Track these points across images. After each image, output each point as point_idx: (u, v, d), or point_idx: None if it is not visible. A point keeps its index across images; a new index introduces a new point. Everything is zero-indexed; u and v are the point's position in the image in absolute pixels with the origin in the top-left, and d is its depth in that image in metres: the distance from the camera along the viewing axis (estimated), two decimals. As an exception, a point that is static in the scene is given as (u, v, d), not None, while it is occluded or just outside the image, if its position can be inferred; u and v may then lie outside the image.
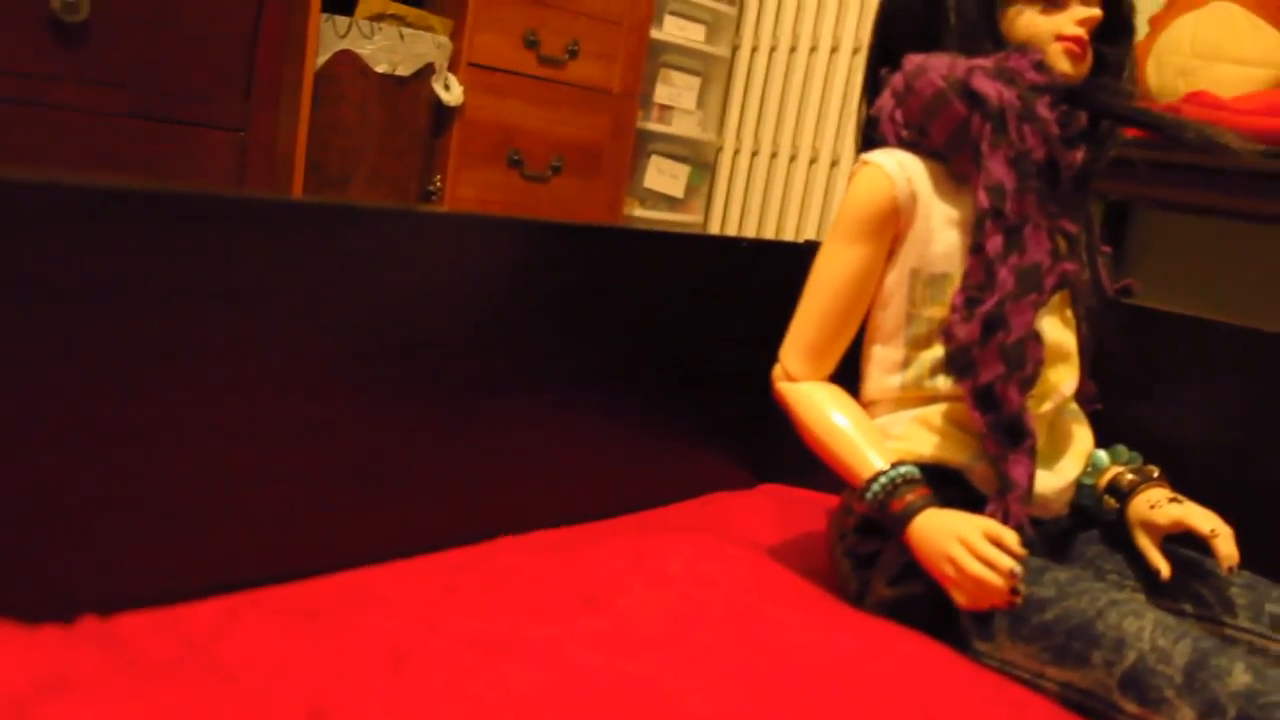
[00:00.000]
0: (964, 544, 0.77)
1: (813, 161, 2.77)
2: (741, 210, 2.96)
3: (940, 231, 0.86)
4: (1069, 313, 0.91)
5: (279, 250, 0.79)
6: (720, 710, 0.66)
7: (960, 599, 0.78)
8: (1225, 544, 0.80)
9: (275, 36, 1.85)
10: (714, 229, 3.03)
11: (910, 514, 0.80)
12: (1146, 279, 2.77)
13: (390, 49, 2.33)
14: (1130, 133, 0.93)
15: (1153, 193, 2.19)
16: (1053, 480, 0.87)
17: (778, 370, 0.91)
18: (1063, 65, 0.85)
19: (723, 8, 2.83)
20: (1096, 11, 0.86)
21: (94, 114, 1.61)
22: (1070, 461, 0.89)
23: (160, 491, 0.76)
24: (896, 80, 0.88)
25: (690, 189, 2.99)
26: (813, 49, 2.78)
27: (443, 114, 2.48)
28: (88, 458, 0.71)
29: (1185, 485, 0.95)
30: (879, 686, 0.70)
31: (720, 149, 2.99)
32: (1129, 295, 0.96)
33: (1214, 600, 0.83)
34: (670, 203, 2.97)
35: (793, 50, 2.82)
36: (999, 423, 0.81)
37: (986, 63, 0.83)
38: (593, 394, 1.03)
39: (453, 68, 2.46)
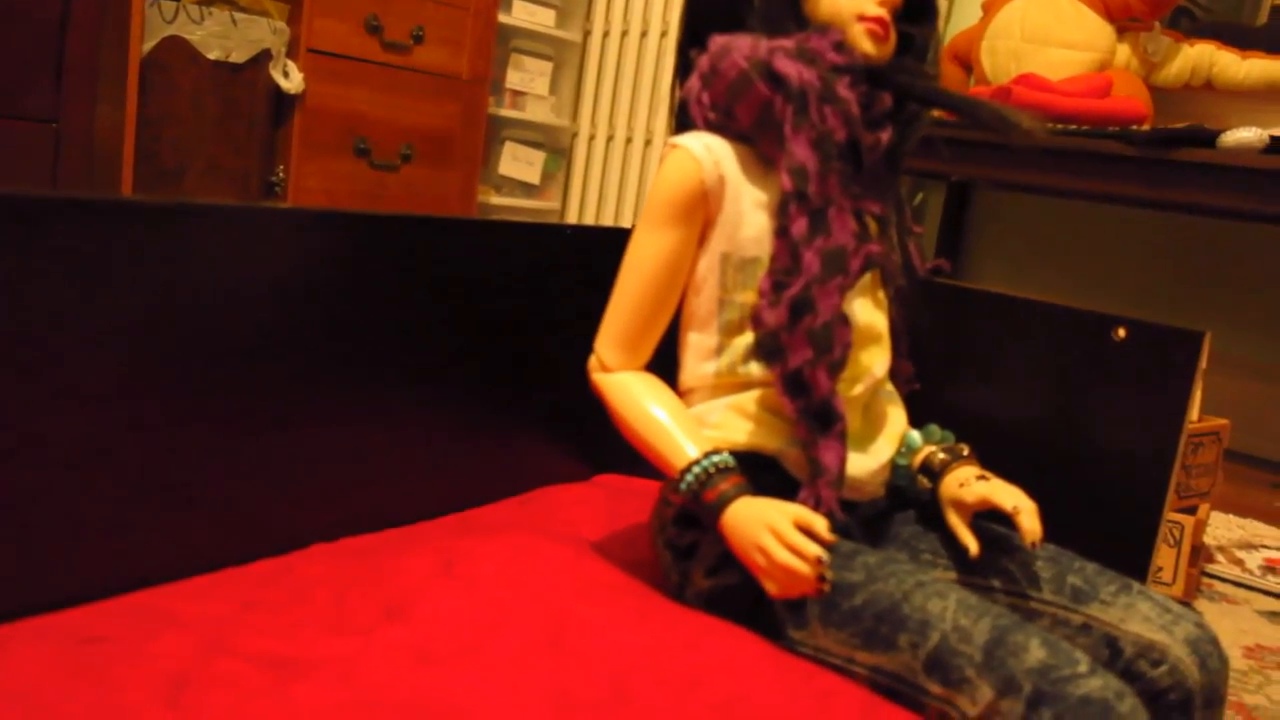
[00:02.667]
0: (773, 532, 0.76)
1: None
2: (599, 195, 2.94)
3: (750, 215, 0.85)
4: (880, 294, 0.91)
5: (50, 249, 0.73)
6: (519, 718, 0.64)
7: (771, 588, 0.77)
8: (1028, 520, 0.81)
9: (88, 23, 1.74)
10: (572, 214, 3.01)
11: (723, 503, 0.79)
12: (987, 256, 2.86)
13: (223, 34, 2.22)
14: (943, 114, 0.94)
15: (993, 174, 2.25)
16: (866, 463, 0.87)
17: (593, 361, 0.89)
18: (865, 45, 0.85)
19: (572, -9, 2.80)
20: (898, -8, 0.85)
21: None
22: (884, 443, 0.90)
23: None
24: (702, 62, 0.86)
25: (546, 175, 2.96)
26: (663, 33, 2.77)
27: (283, 102, 2.39)
28: None
29: (1001, 460, 0.96)
30: (684, 685, 0.68)
31: (575, 134, 2.97)
32: (941, 274, 0.97)
33: (1020, 575, 0.84)
34: (526, 189, 2.93)
35: (644, 35, 2.81)
36: (809, 408, 0.80)
37: (788, 43, 0.82)
38: (412, 391, 1.00)
39: (292, 54, 2.36)
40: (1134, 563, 0.95)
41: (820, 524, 0.77)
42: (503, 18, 2.65)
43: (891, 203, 0.91)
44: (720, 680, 0.70)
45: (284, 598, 0.79)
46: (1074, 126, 2.06)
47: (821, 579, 0.74)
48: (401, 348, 0.98)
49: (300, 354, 0.90)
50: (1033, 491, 0.86)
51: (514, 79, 2.81)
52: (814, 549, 0.74)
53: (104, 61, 1.94)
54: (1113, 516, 0.96)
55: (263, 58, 2.27)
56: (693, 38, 0.90)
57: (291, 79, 2.32)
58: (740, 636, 0.77)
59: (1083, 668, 0.68)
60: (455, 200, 2.66)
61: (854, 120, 0.81)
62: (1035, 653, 0.68)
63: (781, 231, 0.81)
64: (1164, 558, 1.76)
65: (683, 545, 0.86)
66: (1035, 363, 1.00)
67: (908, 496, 0.93)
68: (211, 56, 2.19)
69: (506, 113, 2.79)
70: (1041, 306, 0.99)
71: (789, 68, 0.80)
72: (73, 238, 0.74)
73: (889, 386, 0.94)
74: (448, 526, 0.98)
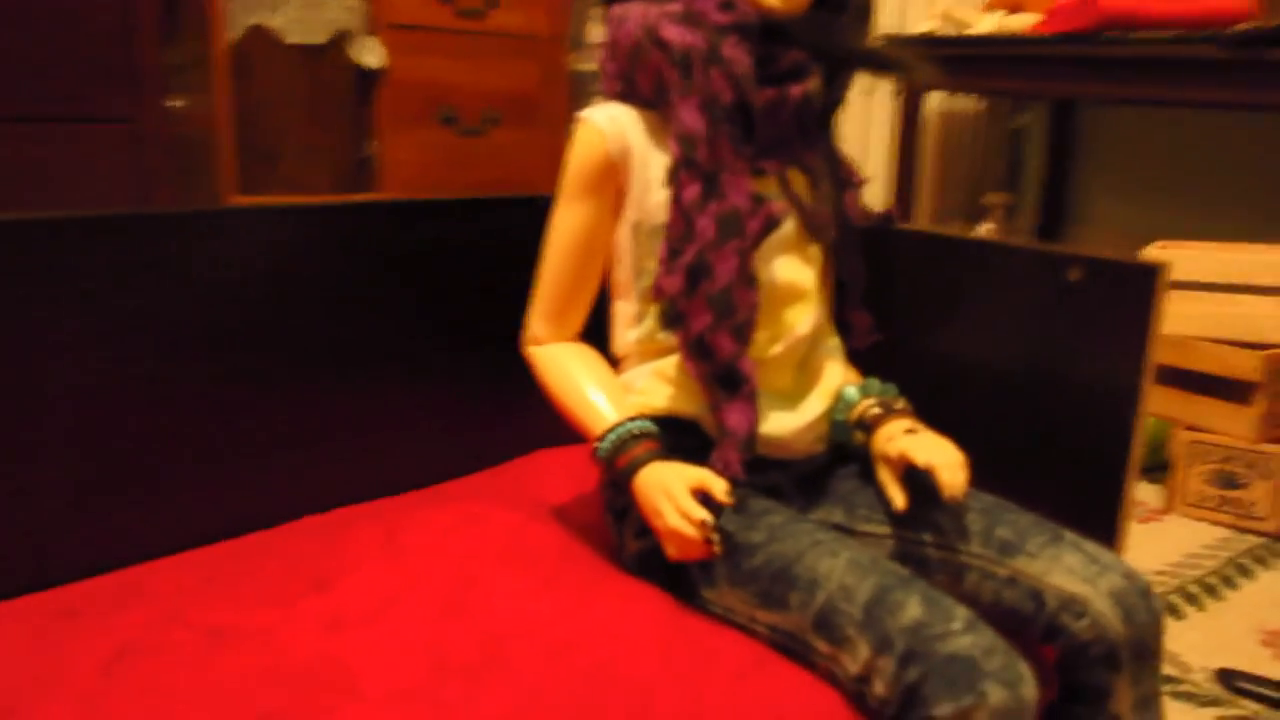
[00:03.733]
0: (668, 496, 0.77)
1: (752, 85, 2.72)
2: (692, 141, 2.92)
3: (657, 183, 0.85)
4: (811, 250, 0.89)
5: (26, 265, 0.81)
6: (395, 681, 0.69)
7: (670, 550, 0.78)
8: (947, 474, 0.79)
9: (152, 21, 1.85)
10: (666, 163, 3.00)
11: (634, 468, 0.81)
12: (1096, 173, 2.70)
13: (301, 19, 2.33)
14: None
15: (1088, 89, 2.13)
16: (793, 420, 0.87)
17: (524, 335, 0.92)
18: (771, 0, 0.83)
19: (647, -63, 2.77)
20: (808, -59, 0.82)
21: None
22: (816, 400, 0.89)
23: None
24: (606, 32, 0.87)
25: (637, 125, 2.96)
26: (741, -31, 2.72)
27: (367, 79, 2.48)
28: None
29: (967, 404, 0.95)
30: (560, 650, 0.72)
31: (664, 81, 2.96)
32: (890, 224, 0.95)
33: (951, 529, 0.83)
34: (618, 142, 2.95)
35: (721, -27, 2.76)
36: (714, 372, 0.81)
37: (676, 7, 0.82)
38: (394, 368, 1.05)
39: (371, 31, 2.44)
40: (1106, 502, 0.91)
41: (719, 487, 0.77)
42: (578, -28, 2.66)
43: (822, 155, 0.89)
44: (598, 645, 0.72)
45: (244, 570, 0.86)
46: (1166, 34, 1.91)
47: (710, 542, 0.75)
48: (378, 330, 1.03)
49: (285, 341, 0.96)
50: (1000, 434, 0.84)
51: (596, 33, 2.82)
52: (699, 513, 0.75)
53: (186, 56, 2.06)
54: (1082, 455, 0.92)
55: (342, 37, 2.37)
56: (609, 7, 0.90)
57: (373, 55, 2.41)
58: (639, 600, 0.79)
59: (956, 625, 0.67)
60: (544, 159, 2.70)
61: (742, 80, 0.80)
62: (912, 610, 0.68)
63: (674, 199, 0.81)
64: (1258, 491, 1.65)
65: (618, 508, 0.88)
66: (998, 304, 0.96)
67: (849, 451, 0.92)
68: (293, 41, 2.29)
69: (592, 67, 2.81)
70: (998, 247, 0.96)
71: (672, 33, 0.80)
72: (49, 252, 0.82)
73: (831, 341, 0.92)
74: (431, 495, 1.04)
